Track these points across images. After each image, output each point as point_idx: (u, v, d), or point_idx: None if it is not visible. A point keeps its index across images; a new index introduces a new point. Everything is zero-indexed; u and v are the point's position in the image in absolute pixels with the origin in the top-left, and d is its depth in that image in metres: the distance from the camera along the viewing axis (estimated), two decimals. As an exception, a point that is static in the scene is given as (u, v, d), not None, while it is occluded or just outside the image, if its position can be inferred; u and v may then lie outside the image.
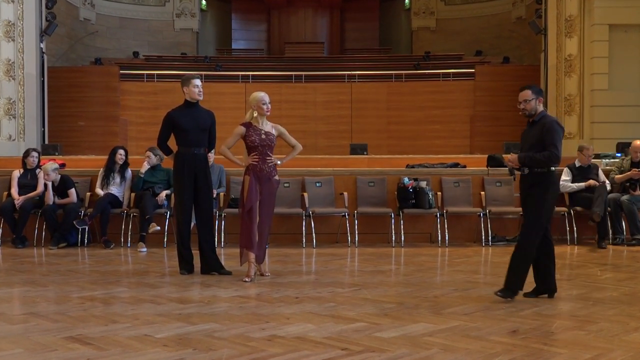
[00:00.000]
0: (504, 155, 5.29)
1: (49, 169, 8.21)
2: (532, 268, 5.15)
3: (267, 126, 5.99)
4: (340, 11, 27.17)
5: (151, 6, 25.18)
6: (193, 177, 6.23)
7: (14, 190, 8.41)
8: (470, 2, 24.72)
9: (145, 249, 7.83)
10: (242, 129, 5.95)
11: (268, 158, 5.93)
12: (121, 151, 8.57)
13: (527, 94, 5.14)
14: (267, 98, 5.96)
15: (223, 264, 6.37)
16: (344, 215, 8.44)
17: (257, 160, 5.90)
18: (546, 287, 5.16)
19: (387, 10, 27.10)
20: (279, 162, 6.05)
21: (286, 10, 26.99)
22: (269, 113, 5.96)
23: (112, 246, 8.10)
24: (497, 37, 23.51)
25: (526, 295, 5.15)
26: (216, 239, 6.61)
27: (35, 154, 8.74)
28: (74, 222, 8.08)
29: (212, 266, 6.24)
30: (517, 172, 5.29)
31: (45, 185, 8.27)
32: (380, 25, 27.10)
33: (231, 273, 6.16)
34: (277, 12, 27.08)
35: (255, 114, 5.97)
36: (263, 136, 5.92)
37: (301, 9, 26.93)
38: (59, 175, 8.34)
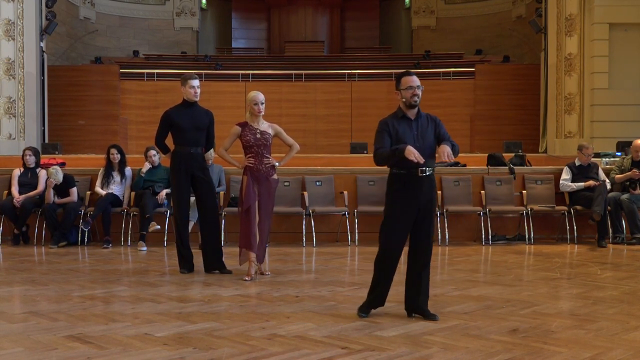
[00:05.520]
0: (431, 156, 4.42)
1: (59, 176, 8.11)
2: (379, 285, 4.59)
3: (264, 125, 5.97)
4: (340, 10, 27.18)
5: (151, 5, 25.18)
6: (190, 176, 6.21)
7: (15, 189, 8.41)
8: (471, 1, 24.72)
9: (145, 248, 7.82)
10: (237, 129, 5.93)
11: (265, 158, 5.91)
12: (113, 150, 8.52)
13: (418, 80, 4.33)
14: (259, 98, 5.90)
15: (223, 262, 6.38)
16: (344, 214, 8.44)
17: (253, 162, 5.89)
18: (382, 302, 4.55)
19: (387, 9, 27.10)
20: (277, 164, 6.03)
21: (286, 9, 27.00)
22: (261, 113, 5.92)
23: (109, 246, 8.05)
24: (498, 36, 23.52)
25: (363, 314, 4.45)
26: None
27: (29, 152, 8.69)
28: (80, 224, 8.10)
29: (215, 264, 6.23)
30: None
31: (47, 185, 8.24)
32: (381, 24, 27.10)
33: (231, 272, 6.15)
34: (277, 10, 27.08)
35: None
36: (258, 135, 5.90)
37: (301, 7, 26.94)
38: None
